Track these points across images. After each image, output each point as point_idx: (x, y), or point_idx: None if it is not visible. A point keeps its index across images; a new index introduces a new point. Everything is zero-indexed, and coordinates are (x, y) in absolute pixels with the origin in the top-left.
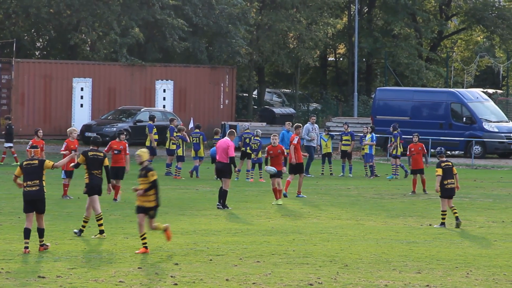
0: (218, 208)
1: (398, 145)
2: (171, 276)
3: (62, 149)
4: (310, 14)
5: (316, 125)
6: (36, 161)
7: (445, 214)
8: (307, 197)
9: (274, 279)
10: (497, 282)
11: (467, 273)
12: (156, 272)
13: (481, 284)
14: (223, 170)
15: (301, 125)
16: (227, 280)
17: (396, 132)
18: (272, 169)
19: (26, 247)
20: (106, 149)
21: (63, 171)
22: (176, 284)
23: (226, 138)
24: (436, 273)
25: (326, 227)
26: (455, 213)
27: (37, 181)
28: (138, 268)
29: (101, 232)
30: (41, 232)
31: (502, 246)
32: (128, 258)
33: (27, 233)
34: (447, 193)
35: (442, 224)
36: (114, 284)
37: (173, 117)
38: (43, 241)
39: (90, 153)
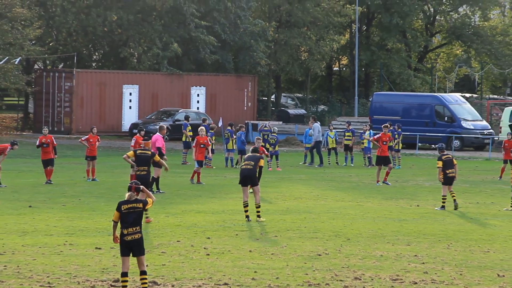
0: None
1: (399, 141)
2: (204, 248)
3: (132, 144)
4: (318, 31)
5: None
6: (149, 152)
7: (445, 199)
8: (317, 183)
9: (289, 250)
10: (472, 252)
11: (448, 245)
12: (192, 244)
13: (459, 254)
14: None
15: (388, 124)
16: (250, 251)
17: (399, 130)
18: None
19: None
20: (133, 144)
21: (196, 161)
22: (208, 254)
23: (157, 133)
24: (422, 245)
25: (332, 208)
26: (453, 196)
27: (146, 168)
28: (177, 241)
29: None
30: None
31: (477, 223)
32: (169, 233)
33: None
34: (448, 180)
35: (443, 207)
36: (157, 254)
37: (205, 117)
38: (147, 214)
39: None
